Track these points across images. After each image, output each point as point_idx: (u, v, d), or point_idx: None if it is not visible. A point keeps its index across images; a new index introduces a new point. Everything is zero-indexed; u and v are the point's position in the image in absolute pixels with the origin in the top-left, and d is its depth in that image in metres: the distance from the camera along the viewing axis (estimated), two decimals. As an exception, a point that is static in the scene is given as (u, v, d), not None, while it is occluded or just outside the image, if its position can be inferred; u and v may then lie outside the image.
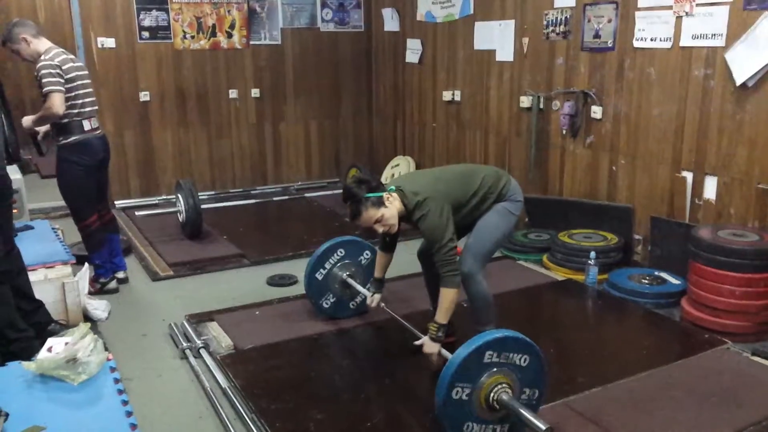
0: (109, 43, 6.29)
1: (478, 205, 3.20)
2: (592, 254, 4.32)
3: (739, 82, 3.85)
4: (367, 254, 3.84)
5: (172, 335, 3.73)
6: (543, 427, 2.34)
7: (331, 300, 3.84)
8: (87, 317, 3.86)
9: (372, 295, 3.52)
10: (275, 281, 4.59)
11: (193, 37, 6.64)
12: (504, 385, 2.50)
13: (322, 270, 3.78)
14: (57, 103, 3.82)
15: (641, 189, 4.58)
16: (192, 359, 3.42)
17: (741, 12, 3.82)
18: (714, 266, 3.61)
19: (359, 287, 3.76)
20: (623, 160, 4.69)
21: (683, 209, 4.30)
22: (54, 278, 3.76)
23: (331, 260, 3.79)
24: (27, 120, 4.01)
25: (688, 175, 4.26)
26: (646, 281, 4.19)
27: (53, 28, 9.37)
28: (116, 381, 2.49)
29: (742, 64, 3.81)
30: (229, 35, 6.80)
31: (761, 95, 3.77)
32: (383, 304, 3.53)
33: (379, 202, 3.00)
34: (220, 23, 6.74)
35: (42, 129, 4.08)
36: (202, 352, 3.47)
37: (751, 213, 3.92)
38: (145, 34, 6.43)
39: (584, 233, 4.73)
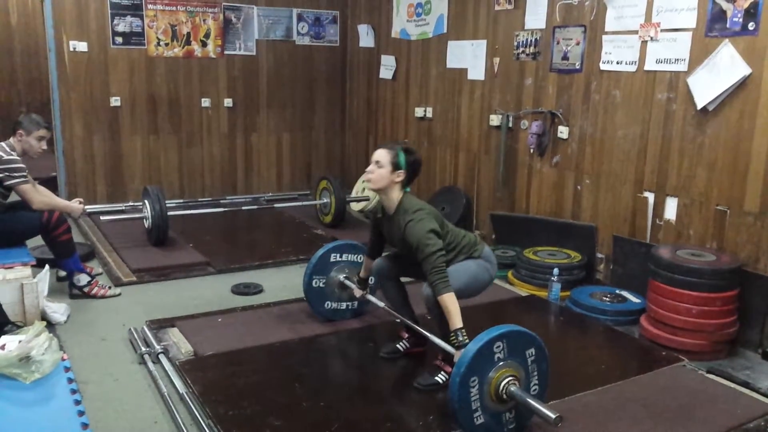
0: (81, 46, 6.25)
1: (450, 253, 3.23)
2: (555, 271, 4.37)
3: (700, 106, 3.96)
4: (361, 257, 3.94)
5: (131, 340, 3.68)
6: (553, 416, 2.52)
7: (322, 283, 3.91)
8: (45, 320, 3.79)
9: (357, 288, 3.76)
10: (240, 290, 4.56)
11: (167, 44, 6.63)
12: (512, 377, 2.66)
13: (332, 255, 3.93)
14: None
15: (604, 208, 4.67)
16: (150, 364, 3.37)
17: (703, 38, 3.94)
18: (672, 285, 3.69)
19: (350, 283, 3.85)
20: (588, 180, 4.77)
21: (644, 229, 4.39)
22: (13, 279, 3.70)
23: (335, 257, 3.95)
24: None
25: (650, 196, 4.35)
26: (607, 299, 4.25)
27: (26, 30, 9.31)
28: (70, 381, 2.46)
29: (703, 89, 3.93)
30: (204, 44, 6.80)
31: (721, 119, 3.89)
32: (369, 296, 3.73)
33: (395, 166, 3.17)
34: (195, 32, 6.74)
35: None
36: (161, 357, 3.43)
37: (709, 234, 4.01)
38: (119, 39, 6.40)
39: (549, 251, 4.79)
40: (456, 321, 2.94)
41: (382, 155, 3.20)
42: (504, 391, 2.65)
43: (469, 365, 2.57)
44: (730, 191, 3.88)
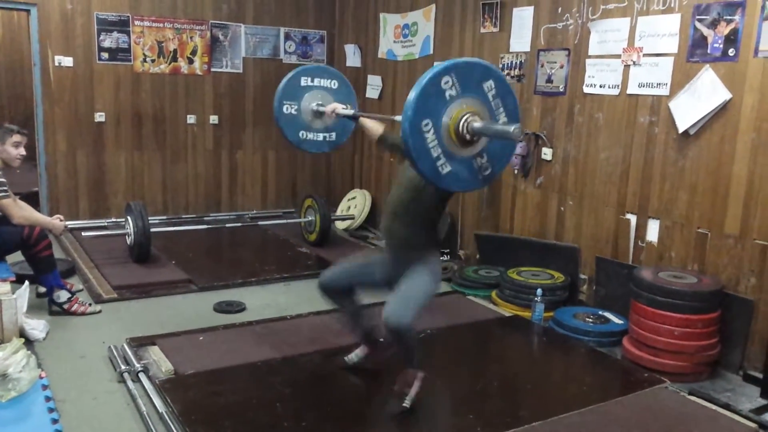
0: (67, 61, 6.23)
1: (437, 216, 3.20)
2: (539, 292, 4.39)
3: (681, 129, 4.02)
4: (335, 83, 3.84)
5: (111, 358, 3.63)
6: (511, 129, 2.31)
7: (294, 110, 3.78)
8: (24, 337, 3.73)
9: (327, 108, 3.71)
10: (222, 308, 4.53)
11: (153, 60, 6.63)
12: (471, 114, 2.42)
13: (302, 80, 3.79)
14: None
15: (587, 230, 4.70)
16: (130, 383, 3.33)
17: (684, 63, 4.00)
18: (654, 306, 3.70)
19: (323, 108, 3.76)
20: (571, 201, 4.81)
21: (627, 251, 4.42)
22: (-10, 295, 3.65)
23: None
24: None
25: (632, 218, 4.39)
26: (590, 320, 4.26)
27: (11, 45, 9.27)
28: (47, 399, 2.42)
29: (685, 113, 3.99)
30: (191, 61, 6.81)
31: (702, 143, 3.94)
32: (342, 109, 3.72)
33: None
34: (181, 49, 6.74)
35: None
36: (141, 375, 3.39)
37: (690, 256, 4.04)
38: (105, 55, 6.39)
39: (532, 271, 4.80)
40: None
41: None
42: (465, 129, 2.40)
43: (416, 107, 2.33)
44: (711, 214, 3.92)
